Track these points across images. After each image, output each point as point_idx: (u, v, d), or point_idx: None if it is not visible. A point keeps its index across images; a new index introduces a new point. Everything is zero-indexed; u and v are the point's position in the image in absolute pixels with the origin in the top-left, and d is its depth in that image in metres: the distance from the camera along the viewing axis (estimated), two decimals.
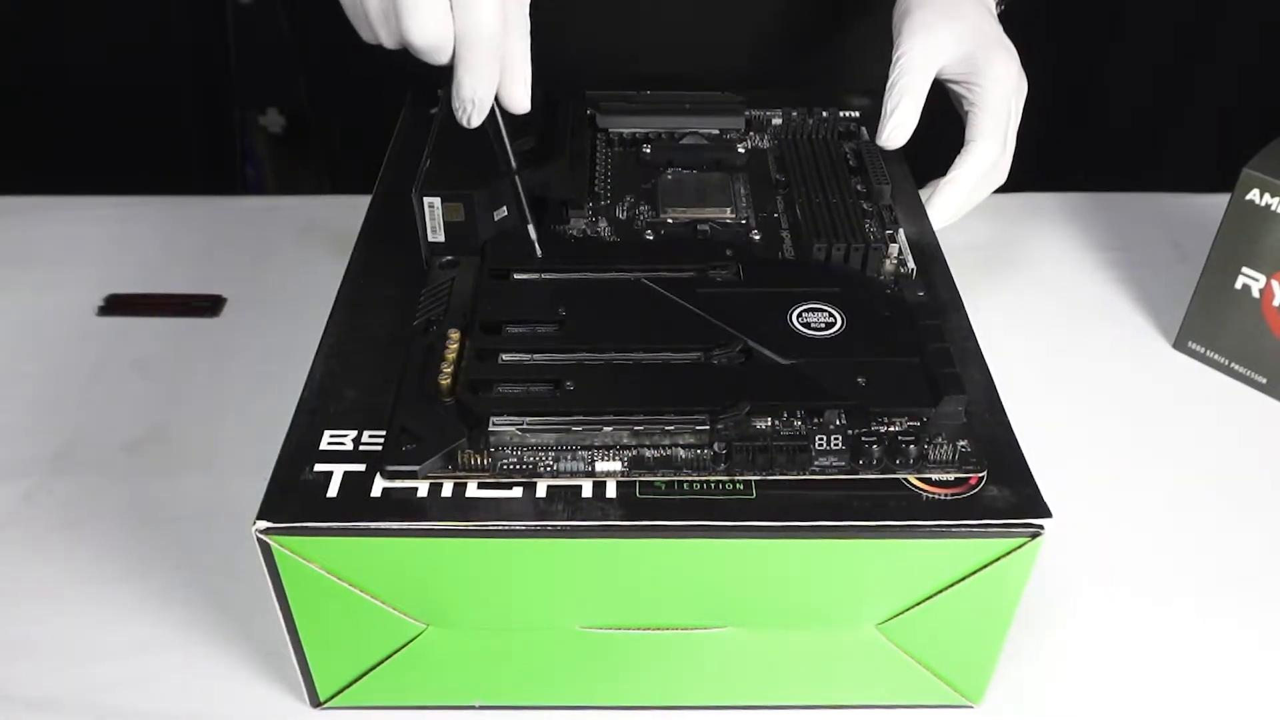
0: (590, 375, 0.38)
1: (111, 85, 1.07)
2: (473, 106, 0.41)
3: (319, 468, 0.37)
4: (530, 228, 0.44)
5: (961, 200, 0.52)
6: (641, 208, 0.49)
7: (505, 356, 0.39)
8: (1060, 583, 0.46)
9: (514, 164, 0.44)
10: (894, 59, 0.52)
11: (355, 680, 0.40)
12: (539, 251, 0.44)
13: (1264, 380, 0.57)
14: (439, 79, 0.53)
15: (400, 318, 0.43)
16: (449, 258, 0.45)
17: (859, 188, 0.49)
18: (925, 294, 0.43)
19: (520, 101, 0.43)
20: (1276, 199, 0.53)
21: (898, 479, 0.37)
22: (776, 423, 0.37)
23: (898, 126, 0.51)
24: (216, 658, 0.43)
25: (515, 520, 0.35)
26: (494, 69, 0.40)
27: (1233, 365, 0.58)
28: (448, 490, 0.36)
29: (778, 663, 0.40)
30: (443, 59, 0.40)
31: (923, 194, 0.52)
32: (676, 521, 0.35)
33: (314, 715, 0.42)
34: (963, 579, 0.37)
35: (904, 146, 0.52)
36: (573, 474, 0.36)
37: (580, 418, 0.37)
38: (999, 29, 0.54)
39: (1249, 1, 1.00)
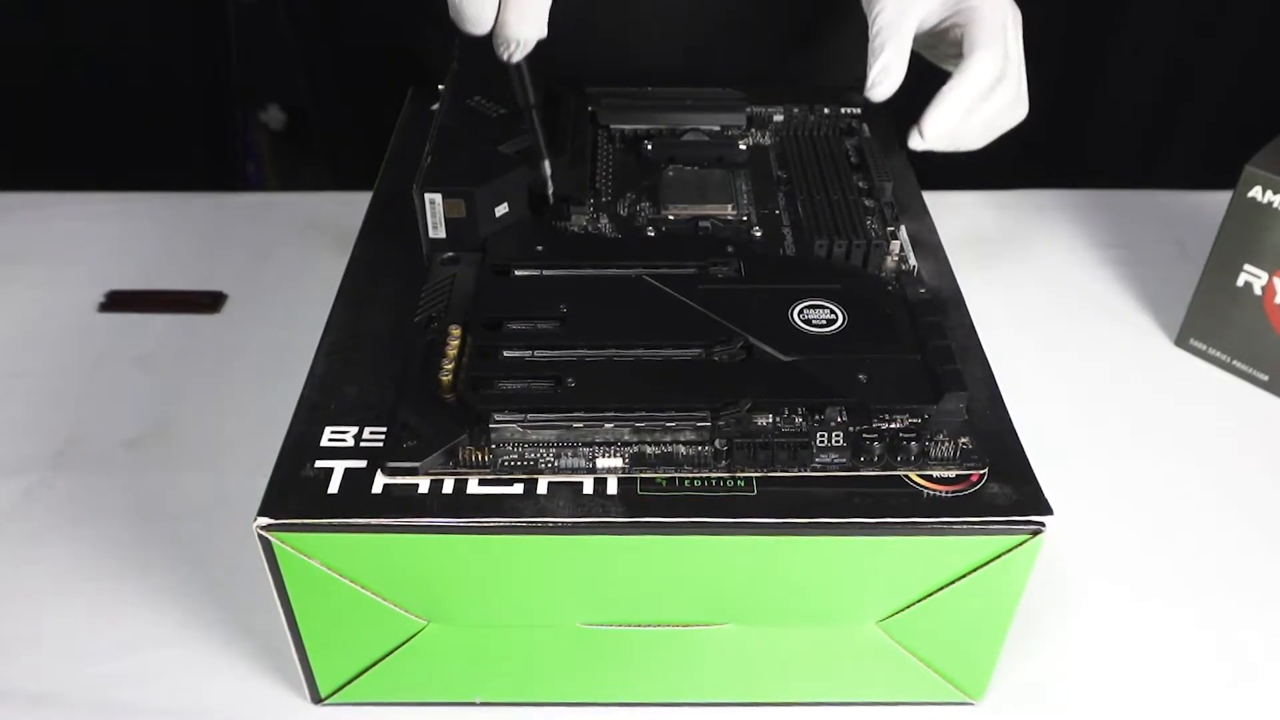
0: (591, 372, 0.38)
1: (113, 82, 1.07)
2: (516, 46, 0.42)
3: (320, 464, 0.37)
4: (545, 163, 0.44)
5: (958, 114, 0.48)
6: (643, 204, 0.49)
7: (506, 353, 0.39)
8: (1062, 580, 0.46)
9: (533, 99, 0.44)
10: (870, 20, 0.49)
11: (356, 676, 0.40)
12: (551, 188, 0.44)
13: (1266, 378, 0.57)
14: (440, 76, 0.53)
15: (401, 314, 0.43)
16: (450, 254, 0.45)
17: (860, 184, 0.49)
18: (927, 291, 0.43)
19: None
20: (1279, 196, 0.52)
21: (899, 476, 0.37)
22: (777, 419, 0.37)
23: (882, 71, 0.48)
24: (218, 654, 0.43)
25: (516, 517, 0.35)
26: (544, 13, 0.41)
27: (1234, 363, 0.57)
28: (449, 487, 0.36)
29: (779, 659, 0.40)
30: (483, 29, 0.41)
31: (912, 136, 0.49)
32: (677, 518, 0.35)
33: (315, 711, 0.42)
34: (964, 576, 0.37)
35: (904, 145, 0.51)
36: (574, 471, 0.36)
37: (581, 414, 0.37)
38: None
39: None
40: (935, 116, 0.47)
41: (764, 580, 0.37)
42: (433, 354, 0.39)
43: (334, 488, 0.36)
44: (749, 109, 0.54)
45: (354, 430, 0.38)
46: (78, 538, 0.48)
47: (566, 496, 0.36)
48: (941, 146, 0.48)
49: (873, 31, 0.49)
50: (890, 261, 0.45)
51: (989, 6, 0.49)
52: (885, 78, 0.48)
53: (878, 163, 0.50)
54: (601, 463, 0.36)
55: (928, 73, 0.54)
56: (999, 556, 0.36)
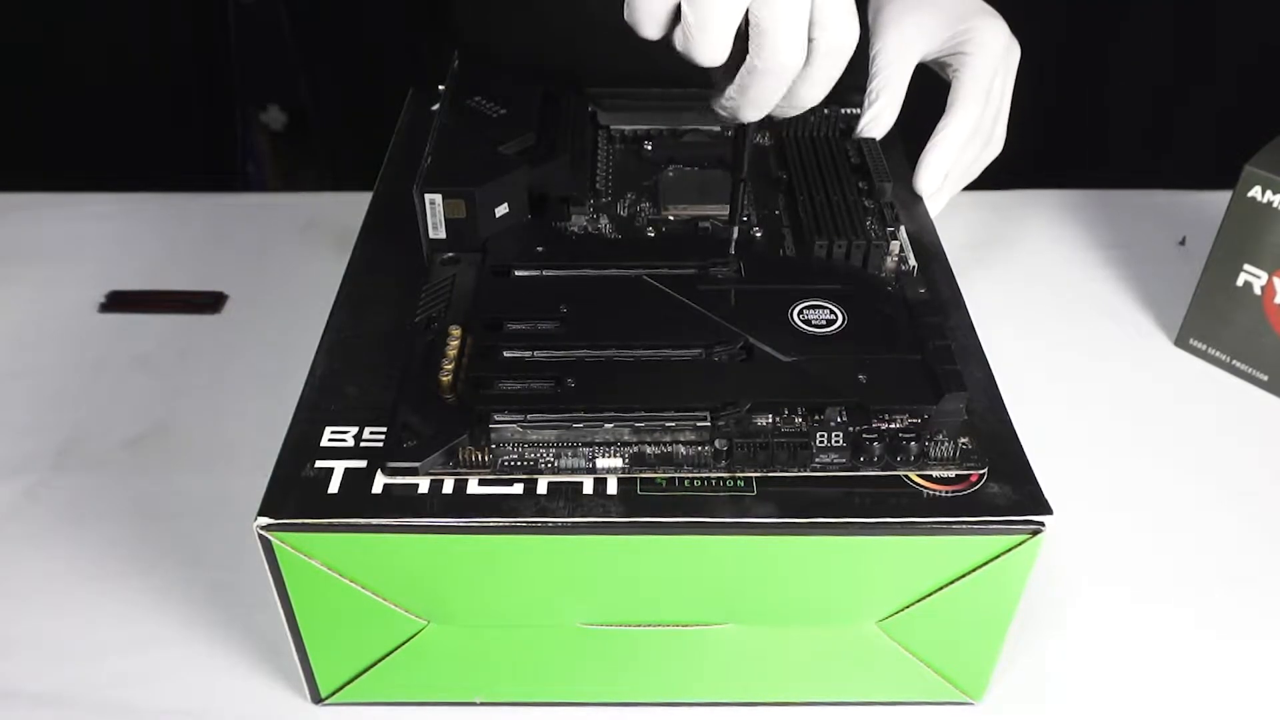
0: (591, 372, 0.38)
1: (112, 82, 1.07)
2: (739, 117, 0.41)
3: (320, 464, 0.37)
4: (735, 230, 0.45)
5: (942, 168, 0.52)
6: (643, 205, 0.49)
7: (506, 353, 0.39)
8: (1061, 580, 0.46)
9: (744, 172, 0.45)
10: (870, 55, 0.53)
11: (356, 676, 0.40)
12: (733, 248, 0.45)
13: (1265, 378, 0.57)
14: (440, 76, 0.53)
15: (401, 314, 0.43)
16: (450, 254, 0.45)
17: (860, 185, 0.49)
18: (926, 291, 0.43)
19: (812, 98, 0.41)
20: (1278, 196, 0.52)
21: (898, 476, 0.37)
22: (777, 420, 0.37)
23: (874, 119, 0.52)
24: (218, 653, 0.43)
25: (516, 517, 0.35)
26: (777, 97, 0.40)
27: (1234, 363, 0.57)
28: (449, 487, 0.36)
29: (778, 659, 0.40)
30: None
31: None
32: (677, 518, 0.35)
33: (315, 711, 0.42)
34: (964, 576, 0.37)
35: (911, 148, 0.52)
36: (574, 471, 0.36)
37: (581, 414, 0.37)
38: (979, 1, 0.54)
39: None
40: (924, 185, 0.52)
41: (764, 580, 0.37)
42: (433, 354, 0.39)
43: (334, 488, 0.36)
44: None
45: (354, 430, 0.38)
46: (78, 538, 0.48)
47: (566, 496, 0.36)
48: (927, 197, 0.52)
49: (871, 70, 0.52)
50: (890, 262, 0.45)
51: (982, 54, 0.52)
52: (876, 125, 0.52)
53: (878, 163, 0.50)
54: (601, 463, 0.36)
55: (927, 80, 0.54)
56: (999, 556, 0.36)
